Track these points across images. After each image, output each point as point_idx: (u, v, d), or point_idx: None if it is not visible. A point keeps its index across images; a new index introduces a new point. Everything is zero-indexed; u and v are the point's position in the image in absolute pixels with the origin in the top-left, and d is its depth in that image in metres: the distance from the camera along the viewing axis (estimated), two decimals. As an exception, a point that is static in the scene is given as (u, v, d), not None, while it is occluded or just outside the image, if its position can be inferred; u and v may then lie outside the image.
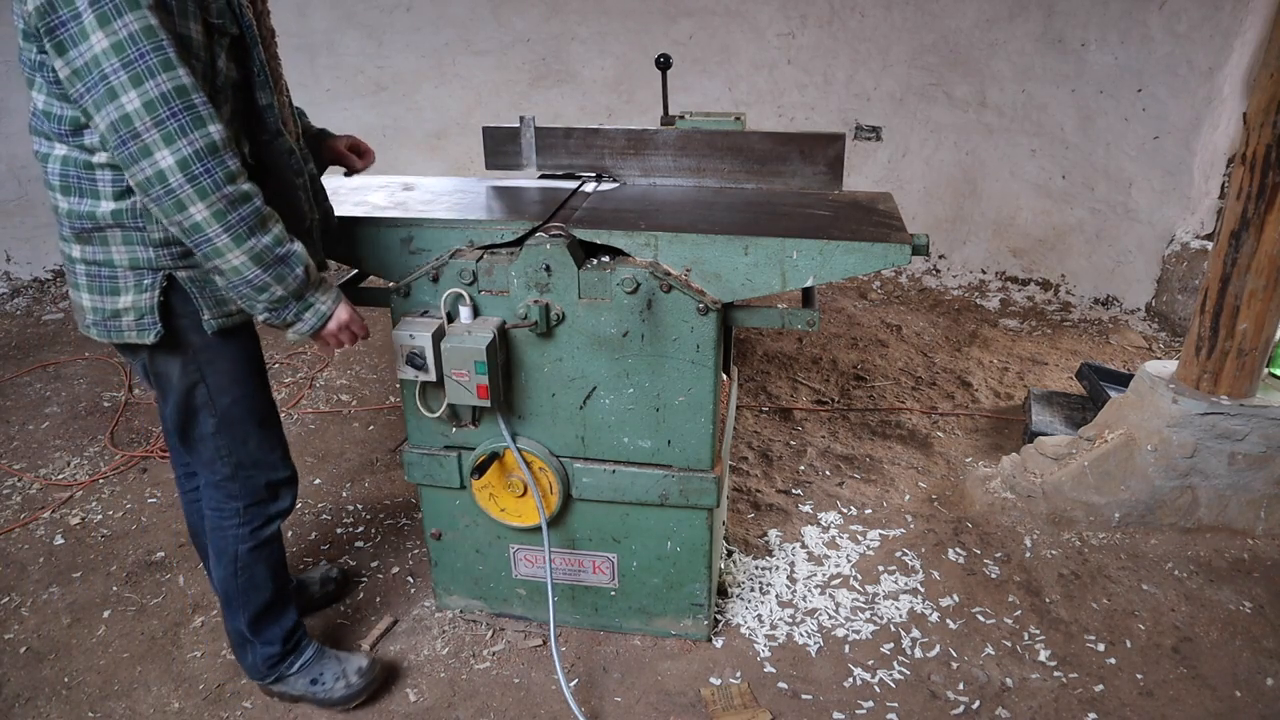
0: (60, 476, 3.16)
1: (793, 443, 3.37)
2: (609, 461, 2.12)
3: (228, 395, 1.85)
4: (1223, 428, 2.67)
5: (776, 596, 2.52)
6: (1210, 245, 4.20)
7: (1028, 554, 2.73)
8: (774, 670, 2.27)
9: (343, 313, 1.76)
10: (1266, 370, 2.75)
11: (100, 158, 1.60)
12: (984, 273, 5.19)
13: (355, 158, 2.15)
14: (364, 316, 1.84)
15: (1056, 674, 2.27)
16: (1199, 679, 2.26)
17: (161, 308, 1.70)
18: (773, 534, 2.80)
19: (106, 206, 1.63)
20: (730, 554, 2.69)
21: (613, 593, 2.31)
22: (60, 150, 1.62)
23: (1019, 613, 2.49)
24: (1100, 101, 4.54)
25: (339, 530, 2.86)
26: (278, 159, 1.75)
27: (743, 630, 2.39)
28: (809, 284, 1.90)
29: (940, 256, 5.32)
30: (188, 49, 1.51)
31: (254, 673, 2.14)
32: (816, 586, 2.57)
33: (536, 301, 1.94)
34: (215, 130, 1.51)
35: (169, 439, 2.07)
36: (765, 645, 2.34)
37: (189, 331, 1.76)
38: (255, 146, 1.74)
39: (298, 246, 1.66)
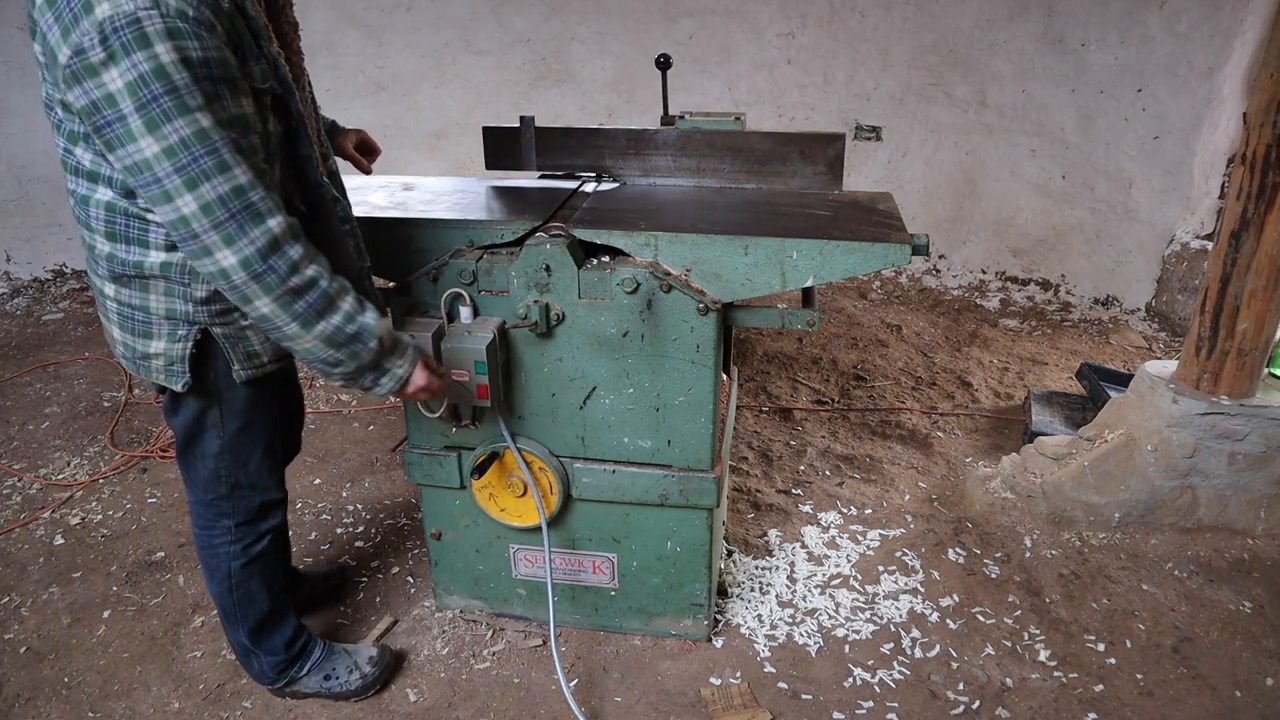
0: (60, 476, 3.16)
1: (793, 443, 3.37)
2: (609, 461, 2.12)
3: (238, 420, 1.85)
4: (1223, 428, 2.67)
5: (776, 596, 2.52)
6: (1210, 245, 4.20)
7: (1028, 554, 2.73)
8: (774, 670, 2.27)
9: (420, 377, 1.74)
10: (1266, 370, 2.75)
11: (156, 214, 1.55)
12: (984, 273, 5.19)
13: (364, 159, 2.14)
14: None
15: (1056, 674, 2.27)
16: (1199, 679, 2.26)
17: (192, 359, 1.70)
18: (773, 534, 2.80)
19: (156, 258, 1.60)
20: (730, 554, 2.69)
21: (613, 593, 2.31)
22: (104, 195, 1.57)
23: (1019, 613, 2.49)
24: (1100, 101, 4.54)
25: (339, 530, 2.86)
26: (323, 207, 1.74)
27: (743, 630, 2.39)
28: (809, 284, 1.90)
29: (940, 256, 5.32)
30: (246, 127, 1.48)
31: (262, 679, 2.14)
32: (816, 586, 2.57)
33: (536, 301, 1.94)
34: (275, 224, 1.48)
35: None
36: (765, 645, 2.34)
37: (215, 371, 1.76)
38: (304, 192, 1.73)
39: (369, 318, 1.63)
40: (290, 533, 2.82)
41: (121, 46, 1.31)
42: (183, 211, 1.41)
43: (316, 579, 2.51)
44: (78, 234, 1.69)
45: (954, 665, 2.30)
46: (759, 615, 2.45)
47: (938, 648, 2.35)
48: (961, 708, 2.16)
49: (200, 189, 1.40)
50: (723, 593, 2.53)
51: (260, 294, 1.50)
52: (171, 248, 1.60)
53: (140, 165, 1.39)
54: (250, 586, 2.01)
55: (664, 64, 2.49)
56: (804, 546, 2.75)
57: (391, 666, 2.23)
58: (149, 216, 1.57)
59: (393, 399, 1.90)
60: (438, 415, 2.06)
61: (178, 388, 1.72)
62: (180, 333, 1.67)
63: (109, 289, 1.67)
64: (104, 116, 1.36)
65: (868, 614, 2.47)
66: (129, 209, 1.57)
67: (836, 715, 2.14)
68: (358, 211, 2.05)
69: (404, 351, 1.72)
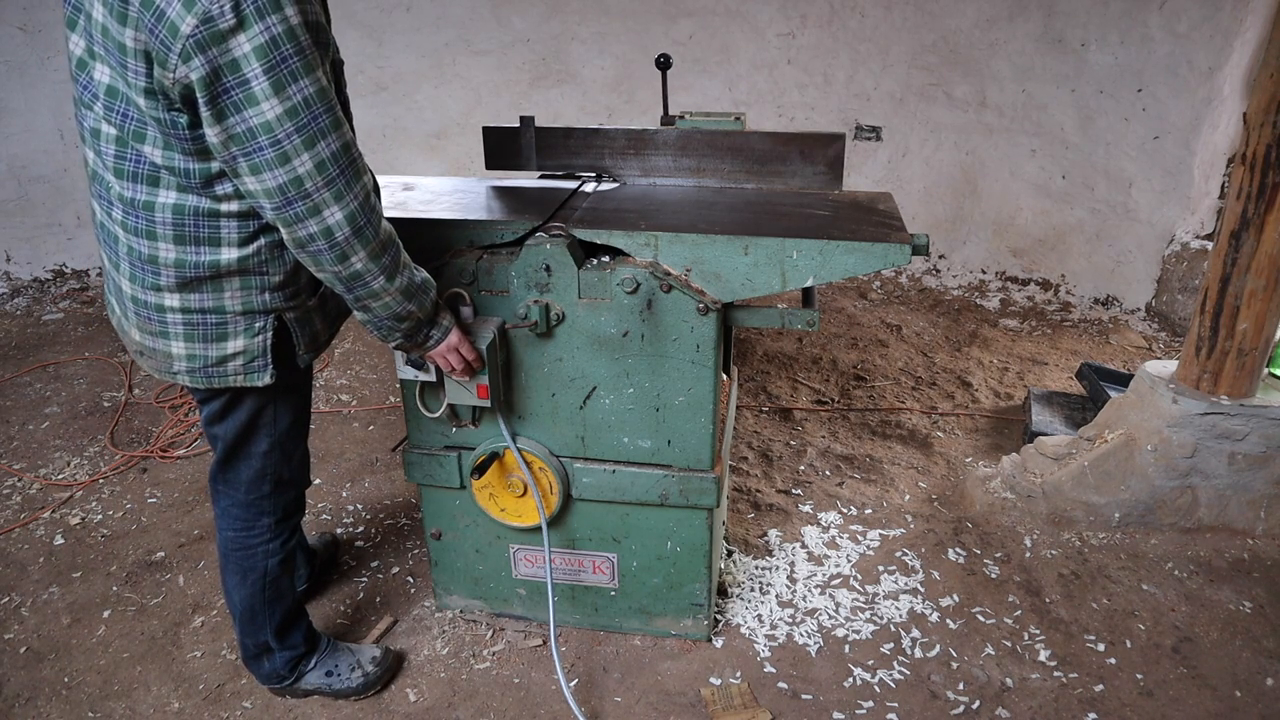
0: (60, 476, 3.16)
1: (793, 443, 3.37)
2: (609, 461, 2.12)
3: (288, 416, 1.88)
4: (1223, 428, 2.67)
5: (776, 596, 2.52)
6: (1210, 245, 4.20)
7: (1028, 554, 2.73)
8: (774, 670, 2.27)
9: (454, 336, 1.81)
10: (1266, 370, 2.75)
11: (231, 205, 1.56)
12: (984, 273, 5.19)
13: None
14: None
15: (1056, 674, 2.27)
16: (1199, 679, 2.26)
17: (274, 349, 1.71)
18: (773, 534, 2.80)
19: (231, 254, 1.60)
20: (730, 554, 2.69)
21: (613, 593, 2.31)
22: (170, 198, 1.55)
23: (1019, 613, 2.49)
24: (1100, 101, 4.54)
25: (339, 530, 2.86)
26: None
27: (743, 630, 2.39)
28: (809, 284, 1.90)
29: (940, 256, 5.32)
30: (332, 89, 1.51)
31: (271, 678, 2.13)
32: (816, 586, 2.57)
33: (536, 301, 1.94)
34: (369, 178, 1.55)
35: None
36: (765, 645, 2.34)
37: (283, 363, 1.77)
38: None
39: (423, 270, 1.71)
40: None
41: (254, 11, 1.35)
42: (298, 171, 1.44)
43: (319, 550, 2.60)
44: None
45: (954, 665, 2.30)
46: (759, 615, 2.45)
47: (938, 648, 2.35)
48: (961, 708, 2.16)
49: (317, 147, 1.44)
50: (723, 593, 2.53)
51: (358, 248, 1.53)
52: (245, 241, 1.60)
53: (255, 130, 1.40)
54: (281, 584, 2.03)
55: (664, 64, 2.49)
56: (804, 546, 2.75)
57: (394, 669, 2.23)
58: (221, 209, 1.57)
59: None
60: (438, 415, 2.06)
61: (262, 382, 1.72)
62: (258, 325, 1.68)
63: (171, 300, 1.63)
64: (224, 83, 1.38)
65: (868, 614, 2.47)
66: (199, 207, 1.56)
67: (836, 715, 2.14)
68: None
69: (444, 310, 1.81)
